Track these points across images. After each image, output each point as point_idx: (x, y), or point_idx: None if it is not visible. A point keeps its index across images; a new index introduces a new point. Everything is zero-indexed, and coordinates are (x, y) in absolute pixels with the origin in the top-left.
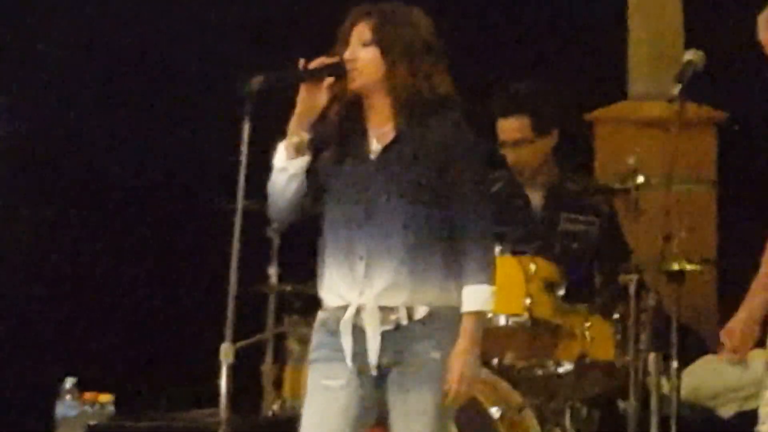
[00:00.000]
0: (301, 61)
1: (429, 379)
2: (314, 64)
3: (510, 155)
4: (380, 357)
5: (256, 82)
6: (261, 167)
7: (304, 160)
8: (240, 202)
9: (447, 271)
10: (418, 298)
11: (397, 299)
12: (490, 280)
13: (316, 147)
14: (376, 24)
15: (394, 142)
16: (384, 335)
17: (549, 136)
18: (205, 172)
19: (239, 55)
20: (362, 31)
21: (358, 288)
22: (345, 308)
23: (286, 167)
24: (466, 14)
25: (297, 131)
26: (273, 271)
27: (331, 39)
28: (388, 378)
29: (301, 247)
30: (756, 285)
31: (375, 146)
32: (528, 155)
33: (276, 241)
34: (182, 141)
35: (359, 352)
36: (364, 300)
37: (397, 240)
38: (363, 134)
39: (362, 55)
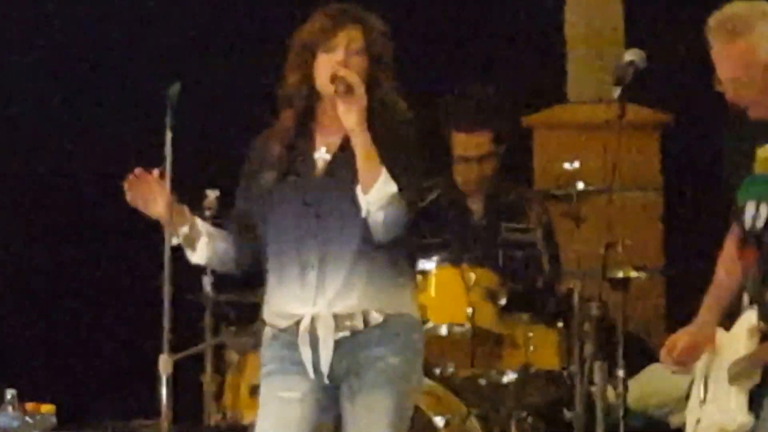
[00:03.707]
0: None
1: (386, 384)
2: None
3: (467, 171)
4: (337, 365)
5: (175, 89)
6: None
7: (203, 242)
8: (169, 212)
9: (398, 273)
10: (370, 302)
11: (350, 303)
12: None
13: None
14: (366, 32)
15: (343, 147)
16: (340, 343)
17: (503, 145)
18: None
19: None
20: (352, 37)
21: (311, 299)
22: (298, 321)
23: (195, 260)
24: (397, 17)
25: (176, 230)
26: (207, 281)
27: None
28: (345, 384)
29: None
30: (710, 297)
31: (323, 154)
32: (489, 169)
33: None
34: (120, 149)
35: (317, 362)
36: (318, 309)
37: (349, 244)
38: (309, 143)
39: (354, 62)
